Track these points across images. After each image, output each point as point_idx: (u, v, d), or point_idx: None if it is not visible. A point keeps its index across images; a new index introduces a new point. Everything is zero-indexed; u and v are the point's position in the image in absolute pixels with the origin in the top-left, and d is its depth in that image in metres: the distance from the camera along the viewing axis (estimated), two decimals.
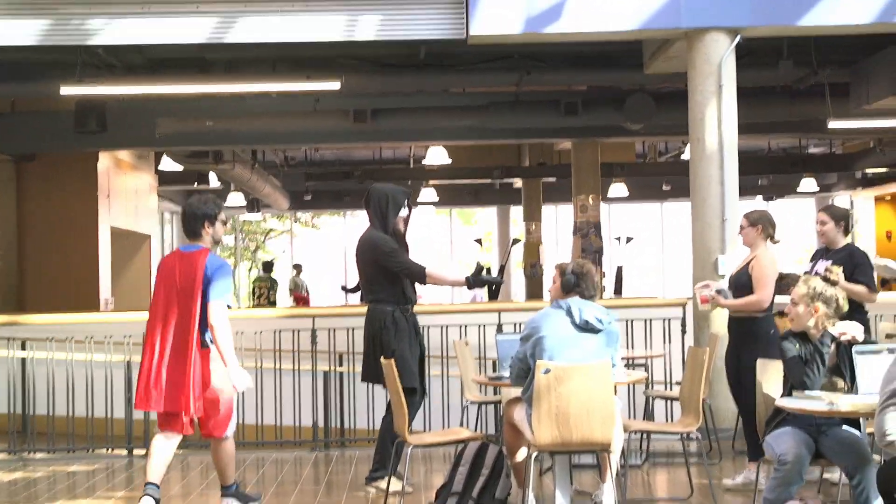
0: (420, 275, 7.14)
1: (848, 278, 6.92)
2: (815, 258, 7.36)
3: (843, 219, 7.23)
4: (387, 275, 7.18)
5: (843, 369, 5.56)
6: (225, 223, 6.48)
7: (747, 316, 7.01)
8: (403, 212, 7.28)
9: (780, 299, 7.29)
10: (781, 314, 7.23)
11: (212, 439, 6.47)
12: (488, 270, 19.98)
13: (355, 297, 7.79)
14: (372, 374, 7.22)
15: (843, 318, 6.84)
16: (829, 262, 7.08)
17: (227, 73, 11.65)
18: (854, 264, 7.04)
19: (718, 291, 7.15)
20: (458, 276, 7.45)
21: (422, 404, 7.32)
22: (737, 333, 7.16)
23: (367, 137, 15.40)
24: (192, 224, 6.36)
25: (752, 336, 6.96)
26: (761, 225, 7.12)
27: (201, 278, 6.19)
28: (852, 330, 5.53)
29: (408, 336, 7.15)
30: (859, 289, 6.97)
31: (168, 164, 17.46)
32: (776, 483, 5.38)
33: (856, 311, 6.99)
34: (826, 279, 5.72)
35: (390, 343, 7.09)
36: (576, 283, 6.08)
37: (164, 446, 6.34)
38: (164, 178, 20.20)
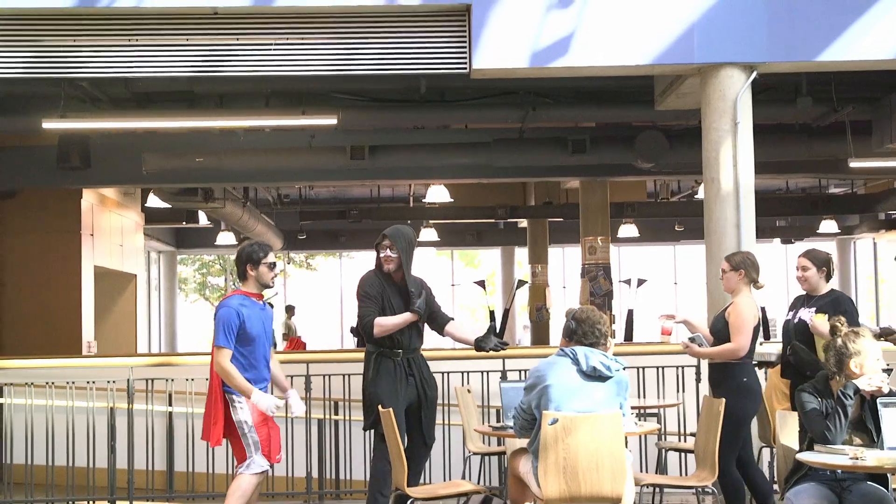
0: (369, 327, 7.24)
1: None
2: (795, 306, 7.41)
3: (824, 264, 7.31)
4: None
5: (867, 423, 5.56)
6: (272, 267, 7.00)
7: (721, 363, 7.04)
8: (382, 252, 7.37)
9: (764, 349, 7.34)
10: (762, 364, 7.28)
11: None
12: (492, 314, 19.98)
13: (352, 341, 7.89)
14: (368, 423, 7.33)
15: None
16: (813, 309, 7.13)
17: (217, 107, 11.71)
18: (839, 312, 7.08)
19: (692, 339, 7.18)
20: (405, 317, 7.31)
21: (427, 455, 7.35)
22: (713, 381, 7.22)
23: (365, 175, 15.46)
24: (238, 266, 7.02)
25: (724, 384, 7.00)
26: (744, 269, 7.18)
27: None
28: (877, 380, 5.53)
29: (393, 380, 7.19)
30: None
31: (155, 202, 17.51)
32: None
33: None
34: (833, 330, 5.75)
35: (367, 387, 7.22)
36: (574, 329, 6.11)
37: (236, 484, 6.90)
38: (151, 216, 20.26)
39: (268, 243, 7.16)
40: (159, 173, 14.06)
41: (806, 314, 7.25)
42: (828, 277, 7.29)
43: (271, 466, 7.01)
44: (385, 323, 7.22)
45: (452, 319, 7.56)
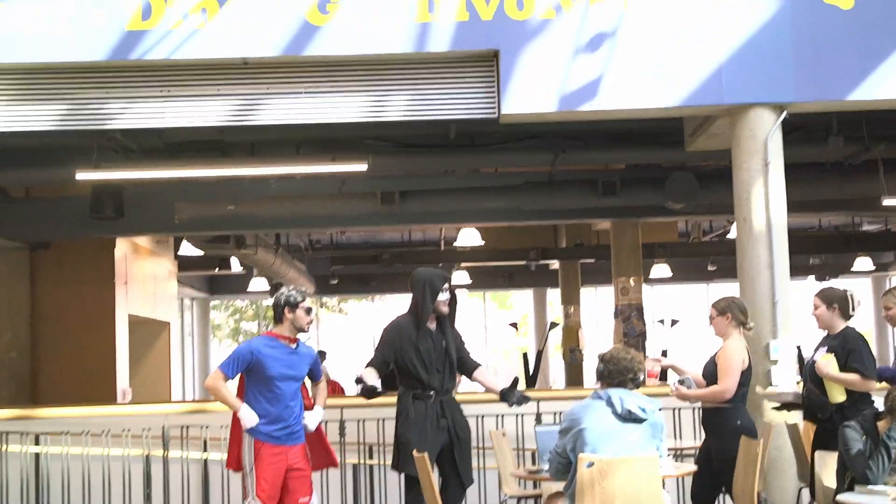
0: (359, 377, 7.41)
1: (842, 366, 6.93)
2: (817, 346, 7.36)
3: (836, 301, 7.23)
4: (396, 362, 7.46)
5: None
6: (309, 312, 7.18)
7: (713, 407, 7.03)
8: (442, 296, 7.42)
9: (779, 389, 7.29)
10: (784, 406, 7.22)
11: None
12: (525, 357, 19.98)
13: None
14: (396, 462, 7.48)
15: (841, 409, 6.87)
16: (824, 349, 7.09)
17: (248, 155, 11.81)
18: (847, 350, 7.03)
19: (681, 381, 7.17)
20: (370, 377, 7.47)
21: (462, 497, 7.38)
22: (706, 425, 7.23)
23: (396, 220, 15.53)
24: (274, 309, 7.22)
25: (718, 428, 7.00)
26: (730, 313, 7.17)
27: None
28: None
29: (423, 423, 7.24)
30: (851, 377, 6.98)
31: (188, 249, 17.64)
32: None
33: (859, 400, 7.00)
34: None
35: (397, 428, 7.32)
36: (601, 370, 6.14)
37: None
38: (184, 264, 20.39)
39: (304, 288, 7.35)
40: (191, 221, 14.16)
41: (818, 354, 7.22)
42: (844, 316, 7.23)
43: None
44: (361, 373, 7.39)
45: (480, 365, 7.63)
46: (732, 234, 11.76)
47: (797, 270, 21.83)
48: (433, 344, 7.40)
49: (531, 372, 19.18)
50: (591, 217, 16.70)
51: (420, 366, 7.40)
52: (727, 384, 6.99)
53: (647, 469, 5.84)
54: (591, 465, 5.79)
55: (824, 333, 7.37)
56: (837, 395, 7.06)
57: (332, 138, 11.68)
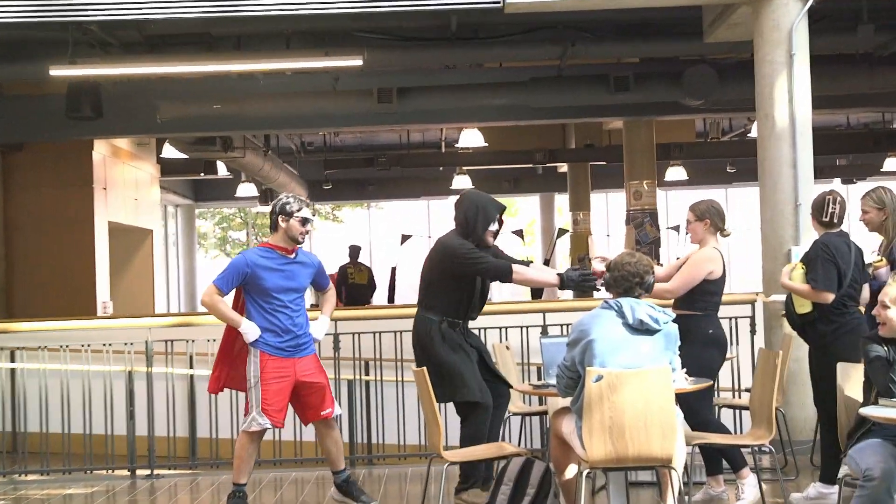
0: (506, 272, 7.25)
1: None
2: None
3: (812, 209, 7.23)
4: (446, 284, 7.30)
5: None
6: (304, 223, 7.21)
7: (686, 315, 6.98)
8: (493, 226, 7.37)
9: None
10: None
11: None
12: (528, 264, 19.96)
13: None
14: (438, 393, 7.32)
15: (816, 320, 6.99)
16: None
17: (235, 50, 11.71)
18: (807, 259, 7.10)
19: None
20: (547, 276, 7.47)
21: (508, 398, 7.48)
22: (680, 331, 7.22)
23: (393, 119, 15.45)
24: (270, 216, 7.32)
25: (687, 335, 6.98)
26: (709, 219, 7.15)
27: None
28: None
29: (459, 348, 7.23)
30: (801, 287, 7.06)
31: (171, 153, 17.58)
32: (862, 502, 5.36)
33: (829, 312, 7.05)
34: None
35: (439, 355, 7.19)
36: (608, 279, 6.15)
37: None
38: (167, 168, 20.35)
39: (306, 199, 7.41)
40: (175, 122, 14.10)
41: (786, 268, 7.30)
42: (819, 222, 7.21)
43: (298, 431, 7.11)
44: (523, 273, 7.22)
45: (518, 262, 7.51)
46: (754, 133, 11.67)
47: (823, 172, 21.99)
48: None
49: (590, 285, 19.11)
50: (602, 115, 16.61)
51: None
52: (676, 285, 7.10)
53: (659, 382, 5.84)
54: (599, 378, 5.80)
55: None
56: (801, 307, 7.11)
57: (325, 30, 11.58)
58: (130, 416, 9.61)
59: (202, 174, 20.97)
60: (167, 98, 13.66)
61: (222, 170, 20.72)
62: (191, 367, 10.41)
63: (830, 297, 7.06)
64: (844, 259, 7.09)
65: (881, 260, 7.29)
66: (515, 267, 7.25)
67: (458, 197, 7.59)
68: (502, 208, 7.49)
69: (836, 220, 7.25)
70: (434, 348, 7.24)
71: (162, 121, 13.73)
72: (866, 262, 7.25)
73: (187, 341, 10.21)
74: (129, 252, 19.30)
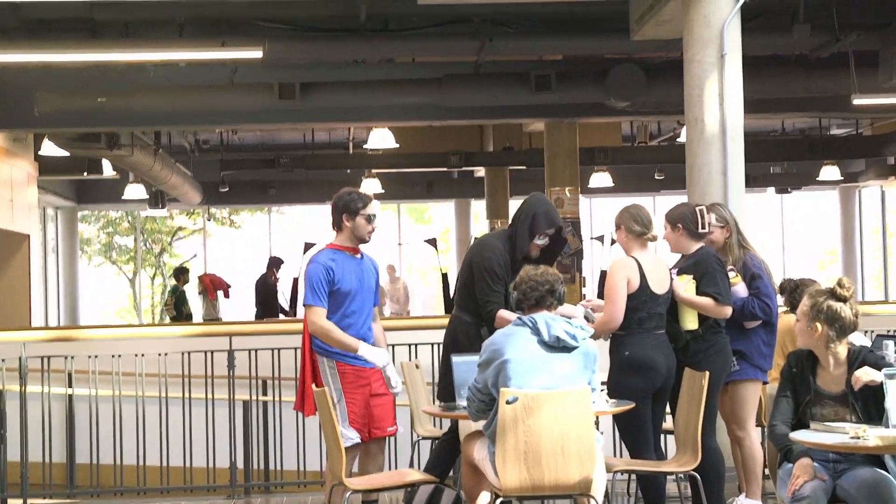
0: (488, 317, 7.35)
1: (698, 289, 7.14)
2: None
3: (679, 220, 7.36)
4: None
5: (852, 400, 5.66)
6: (371, 220, 7.20)
7: (613, 335, 7.10)
8: (540, 240, 7.40)
9: None
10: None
11: None
12: (445, 278, 20.04)
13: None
14: (445, 393, 7.39)
15: (698, 338, 7.14)
16: (674, 271, 7.23)
17: (122, 37, 11.60)
18: (701, 273, 7.18)
19: (585, 317, 7.21)
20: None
21: None
22: None
23: (296, 117, 15.40)
24: (333, 215, 7.27)
25: (611, 359, 7.09)
26: (623, 224, 7.21)
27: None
28: (869, 376, 5.60)
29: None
30: (705, 302, 7.15)
31: (51, 149, 17.33)
32: None
33: (711, 328, 7.22)
34: (833, 293, 5.79)
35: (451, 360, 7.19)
36: (517, 298, 6.19)
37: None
38: (47, 167, 20.05)
39: (366, 192, 7.33)
40: (55, 115, 13.93)
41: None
42: (693, 235, 7.34)
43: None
44: (508, 318, 7.13)
45: None
46: (683, 138, 11.81)
47: (756, 181, 22.33)
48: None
49: (452, 295, 19.24)
50: (521, 116, 16.70)
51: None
52: (610, 311, 7.01)
53: (577, 404, 5.88)
54: (513, 400, 5.83)
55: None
56: (690, 323, 7.20)
57: (222, 18, 11.52)
58: (0, 439, 9.46)
59: (85, 174, 20.68)
60: (46, 89, 13.48)
61: (108, 169, 20.47)
62: (69, 386, 10.29)
63: (730, 311, 7.22)
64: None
65: (736, 277, 7.45)
66: (501, 312, 7.26)
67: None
68: (556, 225, 7.48)
69: (708, 233, 7.39)
70: (461, 349, 7.27)
71: (40, 114, 13.54)
72: None
73: (66, 357, 10.07)
74: (3, 259, 18.99)
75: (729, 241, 7.59)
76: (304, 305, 7.08)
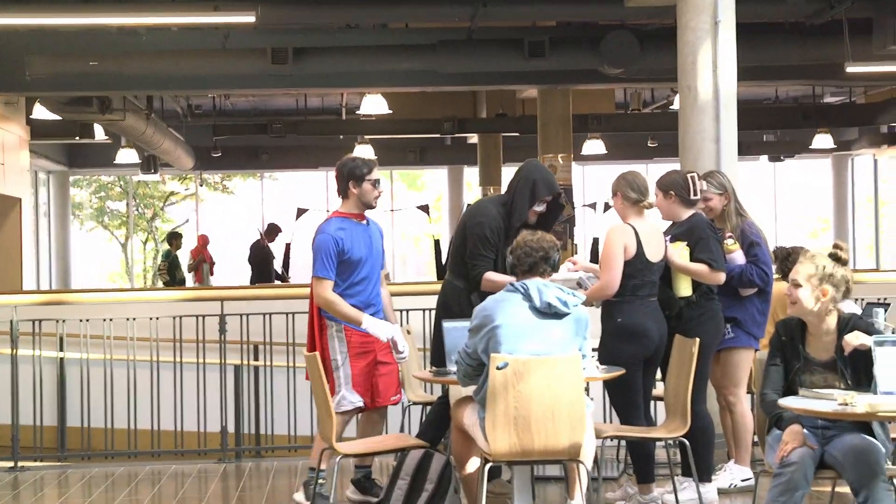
0: (474, 280, 7.38)
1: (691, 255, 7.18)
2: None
3: (672, 187, 7.37)
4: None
5: (841, 366, 5.68)
6: (377, 185, 7.24)
7: (606, 301, 7.12)
8: (539, 206, 7.40)
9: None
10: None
11: None
12: (437, 244, 20.06)
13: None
14: (437, 359, 7.44)
15: (691, 304, 7.18)
16: (668, 238, 7.24)
17: (115, 2, 11.55)
18: (695, 240, 7.20)
19: (579, 283, 7.24)
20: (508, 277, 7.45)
21: None
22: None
23: (289, 82, 15.33)
24: (338, 182, 7.28)
25: (604, 326, 7.11)
26: (619, 192, 7.20)
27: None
28: (859, 340, 5.62)
29: None
30: (700, 268, 7.18)
31: (42, 113, 17.28)
32: (779, 490, 5.50)
33: (705, 294, 7.26)
34: (836, 257, 5.82)
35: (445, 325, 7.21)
36: (512, 262, 6.19)
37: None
38: (38, 131, 19.99)
39: (370, 158, 7.37)
40: (47, 79, 13.88)
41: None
42: (685, 202, 7.35)
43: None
44: (496, 280, 7.23)
45: None
46: (676, 105, 11.79)
47: (748, 148, 22.31)
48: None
49: (444, 262, 19.25)
50: (515, 83, 16.66)
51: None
52: (606, 278, 7.01)
53: (568, 371, 5.90)
54: (504, 365, 5.84)
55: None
56: (684, 289, 7.23)
57: None
58: None
59: (77, 138, 20.60)
60: (38, 52, 13.42)
61: (100, 133, 20.40)
62: (61, 350, 10.30)
63: (724, 277, 7.26)
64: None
65: (735, 244, 7.47)
66: (487, 274, 7.31)
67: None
68: (555, 192, 7.48)
69: (699, 199, 7.41)
70: (445, 316, 7.32)
71: (32, 78, 13.48)
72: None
73: (57, 321, 10.08)
74: None
75: (727, 209, 7.63)
76: (313, 276, 7.10)
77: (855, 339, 5.60)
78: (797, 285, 5.77)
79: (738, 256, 7.47)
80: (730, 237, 7.47)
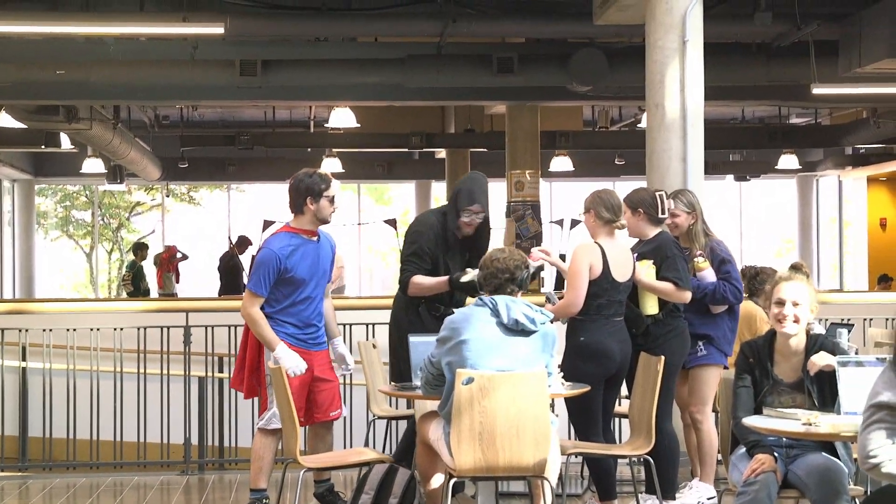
0: (403, 284, 7.40)
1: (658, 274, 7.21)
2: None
3: (640, 205, 7.39)
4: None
5: (808, 385, 5.71)
6: (333, 201, 7.06)
7: (571, 318, 7.13)
8: (465, 217, 7.39)
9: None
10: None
11: None
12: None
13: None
14: (396, 374, 7.44)
15: (658, 322, 7.23)
16: (635, 256, 7.27)
17: (83, 10, 11.50)
18: (661, 258, 7.24)
19: (546, 298, 7.24)
20: (440, 282, 7.40)
21: None
22: None
23: (257, 94, 15.32)
24: (294, 197, 7.08)
25: (567, 343, 7.11)
26: (593, 209, 7.19)
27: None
28: (824, 361, 5.65)
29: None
30: (665, 286, 7.21)
31: (7, 121, 17.17)
32: None
33: (671, 312, 7.29)
34: (801, 270, 5.86)
35: (405, 340, 7.17)
36: (479, 278, 6.20)
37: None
38: (3, 139, 19.85)
39: (327, 173, 7.20)
40: (12, 87, 13.82)
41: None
42: (653, 220, 7.38)
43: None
44: (423, 283, 7.28)
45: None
46: (644, 124, 11.86)
47: (715, 168, 22.41)
48: (461, 263, 7.42)
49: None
50: (483, 98, 16.71)
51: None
52: (570, 297, 7.01)
53: (533, 387, 5.90)
54: (469, 381, 5.84)
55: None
56: (650, 307, 7.26)
57: None
58: None
59: (43, 147, 20.51)
60: (4, 60, 13.37)
61: (66, 143, 20.32)
62: (23, 360, 10.22)
63: (689, 296, 7.27)
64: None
65: (705, 262, 7.48)
66: (415, 278, 7.34)
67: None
68: (476, 202, 7.42)
69: (666, 218, 7.44)
70: (403, 332, 7.28)
71: None
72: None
73: (20, 330, 10.01)
74: None
75: (693, 228, 7.61)
76: (247, 288, 7.02)
77: (821, 359, 5.63)
78: (796, 304, 5.76)
79: (708, 274, 7.49)
80: (700, 255, 7.49)
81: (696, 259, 7.47)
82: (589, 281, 7.00)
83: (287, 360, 6.89)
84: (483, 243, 7.48)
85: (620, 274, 7.07)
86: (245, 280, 20.23)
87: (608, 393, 7.16)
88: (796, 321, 5.75)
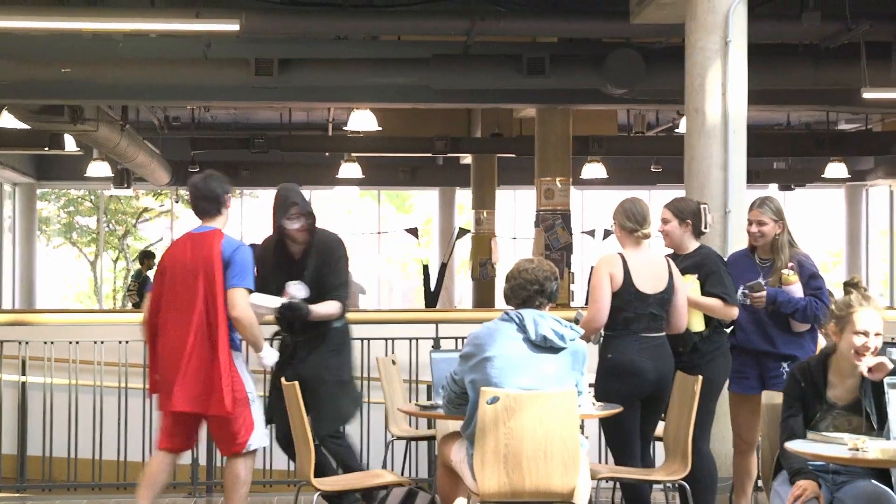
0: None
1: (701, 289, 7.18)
2: None
3: (690, 216, 7.36)
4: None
5: (866, 407, 5.66)
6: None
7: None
8: (291, 223, 7.43)
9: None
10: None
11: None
12: (426, 270, 20.09)
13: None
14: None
15: (704, 339, 7.17)
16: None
17: (90, 5, 11.57)
18: (706, 273, 7.21)
19: (575, 319, 7.20)
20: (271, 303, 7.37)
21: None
22: None
23: (273, 95, 15.38)
24: (208, 204, 7.13)
25: (599, 362, 7.10)
26: (617, 221, 7.16)
27: (220, 265, 6.87)
28: (881, 362, 5.61)
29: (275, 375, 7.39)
30: (713, 303, 7.17)
31: (10, 122, 17.27)
32: None
33: (716, 329, 7.27)
34: (854, 285, 5.82)
35: (344, 370, 7.28)
36: (506, 290, 6.19)
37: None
38: (5, 140, 19.99)
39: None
40: (15, 86, 13.90)
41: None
42: (696, 233, 7.36)
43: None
44: (252, 301, 7.07)
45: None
46: (682, 129, 11.82)
47: (758, 176, 22.37)
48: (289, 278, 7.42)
49: (433, 288, 19.30)
50: (512, 101, 16.71)
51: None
52: (592, 310, 7.00)
53: (562, 407, 5.89)
54: (494, 400, 5.84)
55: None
56: (696, 324, 7.23)
57: None
58: None
59: (46, 149, 20.62)
60: (6, 57, 13.43)
61: (70, 145, 20.42)
62: (23, 374, 10.25)
63: (737, 312, 7.25)
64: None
65: (794, 275, 7.41)
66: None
67: None
68: (293, 202, 7.54)
69: (708, 230, 7.45)
70: (340, 358, 7.47)
71: (0, 84, 13.51)
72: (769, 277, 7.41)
73: (20, 343, 10.04)
74: None
75: (779, 238, 7.51)
76: (238, 288, 6.83)
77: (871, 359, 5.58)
78: (878, 335, 5.71)
79: (796, 289, 7.36)
80: (791, 267, 7.40)
81: (784, 272, 7.37)
82: (612, 293, 6.97)
83: (271, 357, 7.04)
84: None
85: (647, 286, 7.00)
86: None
87: (647, 414, 7.11)
88: (874, 353, 5.71)
